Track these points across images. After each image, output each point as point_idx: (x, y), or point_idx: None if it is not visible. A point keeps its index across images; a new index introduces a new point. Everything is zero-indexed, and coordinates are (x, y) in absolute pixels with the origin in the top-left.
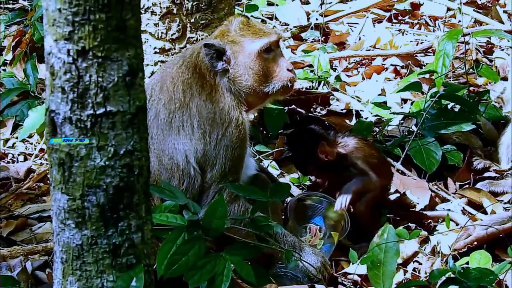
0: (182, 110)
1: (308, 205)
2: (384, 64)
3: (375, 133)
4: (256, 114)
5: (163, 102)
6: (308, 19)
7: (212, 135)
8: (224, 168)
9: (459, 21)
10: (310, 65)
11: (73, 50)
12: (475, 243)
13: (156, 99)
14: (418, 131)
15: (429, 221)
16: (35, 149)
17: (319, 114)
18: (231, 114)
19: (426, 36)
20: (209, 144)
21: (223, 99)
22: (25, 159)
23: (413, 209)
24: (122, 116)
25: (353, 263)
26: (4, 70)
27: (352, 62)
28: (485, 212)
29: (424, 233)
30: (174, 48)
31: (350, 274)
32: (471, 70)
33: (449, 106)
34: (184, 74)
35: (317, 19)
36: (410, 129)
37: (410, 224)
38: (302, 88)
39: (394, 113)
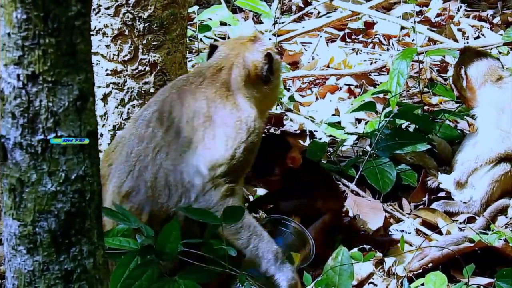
0: (205, 124)
1: (273, 229)
2: (338, 84)
3: (329, 153)
4: None
5: (186, 119)
6: None
7: (237, 138)
8: (233, 165)
9: (413, 39)
10: None
11: (23, 75)
12: (431, 264)
13: (178, 117)
14: (373, 151)
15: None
16: None
17: None
18: (256, 122)
19: (380, 55)
20: (231, 148)
21: (249, 108)
22: None
23: (366, 233)
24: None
25: (307, 286)
26: None
27: (305, 82)
28: (440, 233)
29: (379, 254)
30: (126, 70)
31: None
32: (425, 89)
33: (403, 126)
34: (208, 90)
35: (270, 39)
36: (365, 150)
37: (365, 246)
38: None
39: (348, 134)
